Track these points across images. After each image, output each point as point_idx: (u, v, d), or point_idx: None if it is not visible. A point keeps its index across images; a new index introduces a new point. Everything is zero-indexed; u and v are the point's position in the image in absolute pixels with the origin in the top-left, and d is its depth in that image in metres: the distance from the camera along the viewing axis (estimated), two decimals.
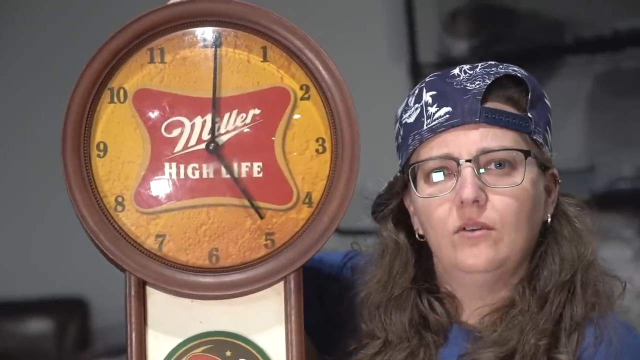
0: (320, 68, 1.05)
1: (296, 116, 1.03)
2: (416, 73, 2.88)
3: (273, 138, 1.02)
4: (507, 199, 1.05)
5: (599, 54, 2.82)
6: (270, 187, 1.02)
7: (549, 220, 1.10)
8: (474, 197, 1.02)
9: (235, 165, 1.02)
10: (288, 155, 1.04)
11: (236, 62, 1.04)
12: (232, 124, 1.02)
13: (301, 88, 1.05)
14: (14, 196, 3.83)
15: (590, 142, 2.96)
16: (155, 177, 1.02)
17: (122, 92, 1.02)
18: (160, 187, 1.03)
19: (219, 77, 1.03)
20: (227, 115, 1.02)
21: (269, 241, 1.02)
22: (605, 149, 2.94)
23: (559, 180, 1.13)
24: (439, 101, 1.08)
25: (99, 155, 1.01)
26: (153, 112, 1.03)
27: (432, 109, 1.08)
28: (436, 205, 1.06)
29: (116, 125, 1.02)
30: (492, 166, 1.05)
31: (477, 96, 1.03)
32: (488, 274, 1.09)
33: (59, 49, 3.74)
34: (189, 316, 1.04)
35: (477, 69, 1.11)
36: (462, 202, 1.02)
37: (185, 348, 1.02)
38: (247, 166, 1.02)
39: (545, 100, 1.10)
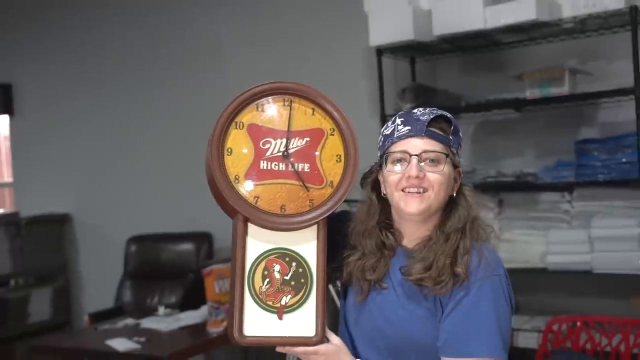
0: (340, 120, 1.43)
1: (327, 143, 1.42)
2: (383, 121, 3.28)
3: (316, 153, 1.41)
4: (435, 178, 1.39)
5: (479, 113, 3.36)
6: (313, 176, 1.40)
7: (454, 194, 1.44)
8: (416, 174, 1.37)
9: (296, 165, 1.39)
10: (322, 162, 1.42)
11: (300, 113, 1.42)
12: (295, 144, 1.40)
13: (330, 130, 1.43)
14: (177, 173, 4.48)
15: (473, 158, 3.48)
16: (256, 168, 1.37)
17: (241, 124, 1.38)
18: (258, 172, 1.37)
19: (291, 120, 1.40)
20: (293, 140, 1.40)
21: (310, 203, 1.39)
22: (481, 162, 3.44)
23: (462, 174, 1.46)
24: (404, 123, 1.40)
25: (227, 154, 1.36)
26: (256, 135, 1.39)
27: (400, 127, 1.40)
28: (394, 176, 1.40)
29: (237, 140, 1.37)
30: (428, 161, 1.37)
31: (425, 122, 1.36)
32: (417, 217, 1.42)
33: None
34: (268, 239, 1.36)
35: (426, 110, 1.42)
36: (409, 176, 1.36)
37: (265, 254, 1.37)
38: (301, 165, 1.40)
39: (459, 132, 1.43)
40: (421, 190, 1.38)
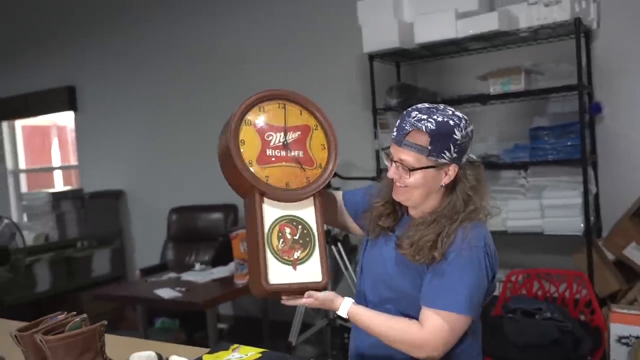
0: (322, 118, 1.47)
1: (313, 135, 1.46)
2: (375, 113, 3.38)
3: (306, 143, 1.45)
4: (409, 180, 1.35)
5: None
6: (306, 160, 1.43)
7: (443, 185, 1.35)
8: (392, 177, 1.38)
9: (294, 152, 1.43)
10: (312, 149, 1.45)
11: (292, 113, 1.45)
12: (291, 137, 1.42)
13: (314, 125, 1.47)
14: (208, 156, 4.37)
15: None
16: (264, 154, 1.39)
17: (249, 122, 1.40)
18: (266, 158, 1.39)
19: (286, 118, 1.43)
20: (289, 133, 1.43)
21: (306, 180, 1.42)
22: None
23: (460, 168, 1.34)
24: (397, 128, 1.35)
25: (242, 144, 1.38)
26: (262, 130, 1.40)
27: (394, 129, 1.36)
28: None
29: (247, 134, 1.39)
30: (402, 167, 1.35)
31: (404, 135, 1.32)
32: (404, 203, 1.43)
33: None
34: (278, 208, 1.39)
35: (414, 118, 1.31)
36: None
37: (278, 220, 1.38)
38: (296, 152, 1.43)
39: (446, 135, 1.27)
40: (402, 185, 1.37)
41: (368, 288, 1.46)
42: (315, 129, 1.45)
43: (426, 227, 1.33)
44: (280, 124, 1.41)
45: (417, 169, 1.31)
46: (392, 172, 1.36)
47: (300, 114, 1.45)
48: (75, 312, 1.38)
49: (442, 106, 1.36)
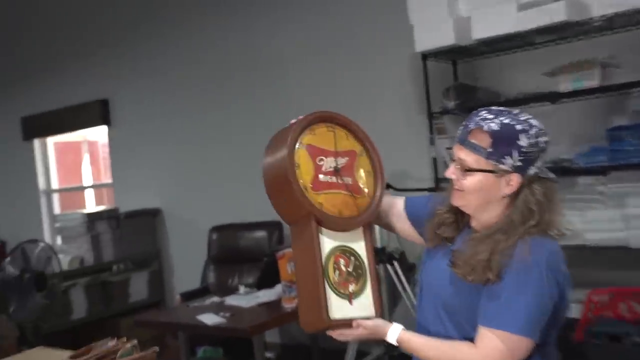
0: (367, 143, 1.53)
1: (360, 160, 1.51)
2: (430, 117, 3.42)
3: (354, 169, 1.50)
4: (466, 184, 1.37)
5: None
6: (355, 187, 1.48)
7: (505, 196, 1.34)
8: (449, 177, 1.41)
9: (344, 178, 1.47)
10: (359, 176, 1.50)
11: (340, 137, 1.50)
12: (341, 162, 1.47)
13: (360, 151, 1.52)
14: (249, 171, 4.16)
15: None
16: (317, 180, 1.42)
17: (301, 145, 1.44)
18: (319, 184, 1.43)
19: (336, 142, 1.49)
20: (339, 158, 1.47)
21: (357, 208, 1.47)
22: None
23: (525, 178, 1.32)
24: (462, 126, 1.39)
25: (296, 168, 1.41)
26: (313, 153, 1.45)
27: (460, 127, 1.40)
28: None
29: (302, 158, 1.43)
30: (461, 168, 1.37)
31: (467, 132, 1.34)
32: (462, 209, 1.42)
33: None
34: (333, 238, 1.42)
35: (480, 117, 1.34)
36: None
37: (333, 250, 1.42)
38: (347, 179, 1.48)
39: (510, 141, 1.28)
40: (459, 188, 1.38)
41: (426, 308, 1.48)
42: (361, 155, 1.50)
43: (480, 243, 1.33)
44: (331, 148, 1.46)
45: (474, 170, 1.33)
46: (450, 171, 1.39)
47: (347, 138, 1.50)
48: (125, 338, 1.40)
49: (517, 110, 1.37)
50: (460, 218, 1.46)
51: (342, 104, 2.37)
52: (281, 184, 1.39)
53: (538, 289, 1.26)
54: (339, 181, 1.45)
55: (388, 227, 1.67)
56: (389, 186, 3.06)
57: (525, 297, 1.26)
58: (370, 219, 1.47)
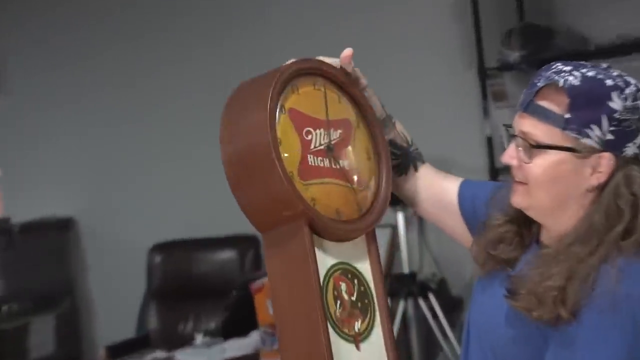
0: (364, 105, 1.51)
1: (356, 136, 1.49)
2: (482, 76, 3.52)
3: (349, 148, 1.47)
4: (529, 169, 1.35)
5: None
6: (353, 174, 1.47)
7: (590, 189, 1.33)
8: (506, 162, 1.40)
9: (340, 161, 1.44)
10: (356, 159, 1.48)
11: (331, 99, 1.46)
12: (334, 137, 1.44)
13: (356, 121, 1.50)
14: (209, 163, 3.82)
15: None
16: (305, 164, 1.39)
17: (282, 109, 1.38)
18: (307, 170, 1.39)
19: (328, 107, 1.45)
20: (331, 131, 1.44)
21: (359, 208, 1.46)
22: None
23: (618, 160, 1.31)
24: (528, 85, 1.40)
25: (280, 144, 1.35)
26: (299, 123, 1.41)
27: (525, 90, 1.41)
28: None
29: (284, 130, 1.38)
30: (524, 146, 1.36)
31: (533, 93, 1.35)
32: (525, 211, 1.42)
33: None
34: (330, 252, 1.40)
35: (552, 70, 1.36)
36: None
37: (331, 270, 1.40)
38: (342, 162, 1.45)
39: (599, 104, 1.29)
40: (522, 179, 1.38)
41: (472, 342, 1.51)
42: (357, 127, 1.48)
43: (552, 263, 1.33)
44: (321, 115, 1.42)
45: (544, 147, 1.31)
46: (508, 155, 1.38)
47: (339, 102, 1.46)
48: None
49: (605, 65, 1.35)
50: (525, 231, 1.46)
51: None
52: (256, 166, 1.33)
53: (632, 338, 1.26)
54: (334, 166, 1.42)
55: (440, 225, 1.69)
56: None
57: (613, 350, 1.26)
58: (378, 222, 1.46)
